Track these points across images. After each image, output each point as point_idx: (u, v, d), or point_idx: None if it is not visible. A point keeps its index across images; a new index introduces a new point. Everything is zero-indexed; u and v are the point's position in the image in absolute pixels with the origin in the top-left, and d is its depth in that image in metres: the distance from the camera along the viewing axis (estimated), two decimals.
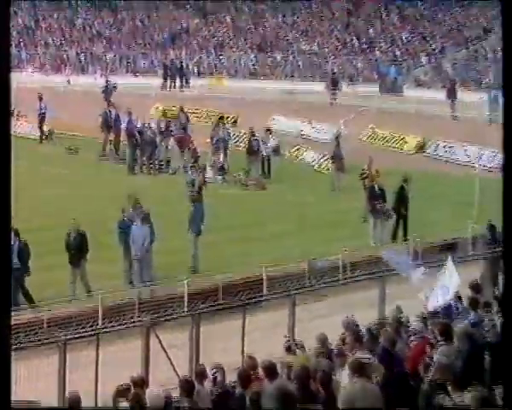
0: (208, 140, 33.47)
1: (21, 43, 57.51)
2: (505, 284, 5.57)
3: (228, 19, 57.78)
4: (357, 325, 12.91)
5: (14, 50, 55.34)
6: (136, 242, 20.99)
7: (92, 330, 17.20)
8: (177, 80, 51.74)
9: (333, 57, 52.30)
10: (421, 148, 36.62)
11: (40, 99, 38.97)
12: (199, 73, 53.84)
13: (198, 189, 25.83)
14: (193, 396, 10.61)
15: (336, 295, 18.95)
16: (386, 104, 44.51)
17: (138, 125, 33.92)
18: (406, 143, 37.20)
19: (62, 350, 14.50)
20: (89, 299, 19.47)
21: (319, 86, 49.36)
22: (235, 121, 39.88)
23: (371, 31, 54.10)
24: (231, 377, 11.37)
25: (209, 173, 30.29)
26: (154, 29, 58.23)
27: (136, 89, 47.87)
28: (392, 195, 25.14)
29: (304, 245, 23.65)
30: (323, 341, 12.61)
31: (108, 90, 44.85)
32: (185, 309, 19.12)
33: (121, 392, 11.18)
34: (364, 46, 53.09)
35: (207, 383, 11.45)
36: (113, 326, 17.68)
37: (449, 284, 15.01)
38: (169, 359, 15.04)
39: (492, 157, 33.76)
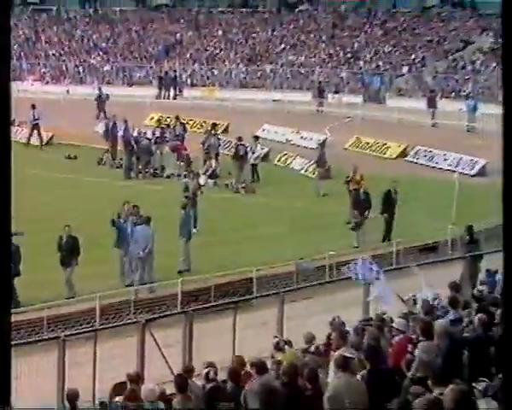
0: (200, 146, 33.44)
1: (22, 55, 57.35)
2: (505, 283, 5.55)
3: (219, 32, 57.77)
4: (344, 324, 12.92)
5: (15, 61, 55.30)
6: (139, 242, 20.99)
7: (90, 328, 17.18)
8: (171, 91, 51.76)
9: (319, 68, 52.32)
10: (402, 154, 36.65)
11: (33, 107, 38.64)
12: (192, 84, 53.83)
13: (193, 194, 25.83)
14: (187, 392, 10.59)
15: (323, 295, 18.93)
16: (369, 113, 44.61)
17: (134, 134, 33.90)
18: (389, 149, 37.23)
19: (61, 347, 14.47)
20: (87, 298, 19.39)
21: (306, 96, 49.43)
22: (227, 129, 39.86)
23: (355, 43, 54.16)
24: (223, 373, 11.35)
25: (202, 179, 30.24)
26: (149, 42, 58.18)
27: (132, 99, 47.87)
28: (378, 199, 25.13)
29: (292, 247, 23.63)
30: (310, 339, 12.61)
31: (101, 100, 44.82)
32: (179, 308, 19.09)
33: (118, 389, 11.16)
34: (349, 58, 53.14)
35: (201, 380, 11.43)
36: (110, 324, 17.65)
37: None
38: (163, 356, 15.01)
39: (470, 163, 33.84)
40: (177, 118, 36.82)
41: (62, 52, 58.19)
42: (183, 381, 10.78)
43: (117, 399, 11.13)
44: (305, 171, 33.46)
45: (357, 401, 9.11)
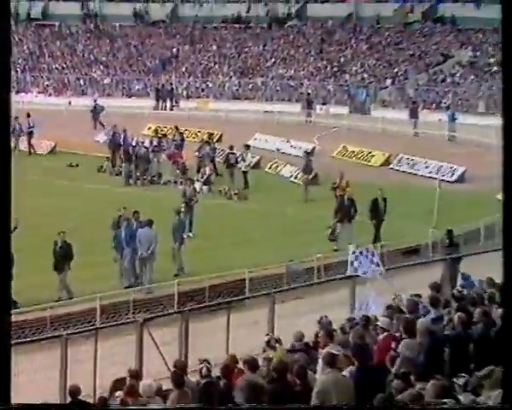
0: (196, 154, 33.42)
1: (27, 68, 57.24)
2: (505, 283, 5.55)
3: (213, 47, 57.77)
4: (331, 323, 12.90)
5: (20, 74, 55.23)
6: (143, 244, 20.99)
7: (91, 327, 17.14)
8: (168, 102, 51.72)
9: (308, 81, 52.33)
10: (386, 162, 36.68)
11: (28, 116, 38.26)
12: (187, 96, 53.78)
13: (189, 200, 25.80)
14: (183, 387, 10.57)
15: (311, 295, 18.93)
16: (355, 123, 44.65)
17: (133, 143, 33.89)
18: (373, 157, 37.26)
19: (64, 345, 14.43)
20: (88, 299, 19.34)
21: (295, 107, 49.45)
22: (220, 138, 39.84)
23: (342, 57, 54.22)
24: (217, 370, 11.33)
25: (197, 185, 30.20)
26: (147, 56, 58.13)
27: (131, 110, 47.83)
28: (364, 205, 25.12)
29: (282, 250, 23.62)
30: (300, 337, 12.59)
31: (96, 112, 44.75)
32: (175, 308, 19.06)
33: (117, 384, 11.14)
34: (336, 71, 53.19)
35: (196, 376, 11.41)
36: (110, 323, 17.61)
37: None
38: (160, 353, 14.98)
39: (450, 170, 33.88)
40: (177, 128, 36.84)
41: (65, 65, 58.08)
42: (179, 377, 10.76)
43: (117, 394, 11.12)
44: (295, 178, 33.46)
45: (344, 395, 9.10)
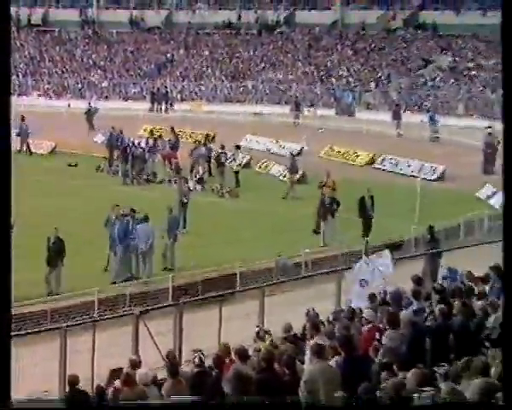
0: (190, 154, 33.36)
1: (28, 72, 57.04)
2: (505, 283, 5.54)
3: (206, 52, 57.69)
4: (318, 315, 12.89)
5: (21, 78, 55.03)
6: (141, 239, 20.99)
7: (89, 319, 17.09)
8: (163, 105, 51.68)
9: (296, 85, 52.34)
10: (370, 161, 36.71)
11: (22, 119, 37.59)
12: (181, 99, 53.70)
13: (183, 197, 25.73)
14: (178, 376, 10.55)
15: (299, 289, 18.93)
16: (341, 125, 44.71)
17: (129, 144, 33.83)
18: (358, 157, 37.28)
19: (63, 336, 14.38)
20: (86, 293, 19.27)
21: (284, 110, 49.42)
22: (213, 139, 39.77)
23: (328, 62, 54.23)
24: (210, 360, 11.30)
25: (190, 184, 30.14)
26: (143, 61, 58.00)
27: (128, 112, 47.70)
28: (349, 202, 25.12)
29: (271, 246, 23.58)
30: (288, 329, 12.58)
31: (90, 113, 44.60)
32: (170, 301, 19.03)
33: (114, 374, 11.10)
34: (323, 75, 53.19)
35: (190, 365, 11.38)
36: (107, 316, 17.57)
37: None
38: (155, 344, 14.95)
39: (431, 169, 33.93)
40: (172, 129, 36.78)
41: (64, 70, 57.90)
42: (174, 367, 10.74)
43: (115, 383, 11.07)
44: (283, 177, 33.47)
45: (330, 385, 9.08)
